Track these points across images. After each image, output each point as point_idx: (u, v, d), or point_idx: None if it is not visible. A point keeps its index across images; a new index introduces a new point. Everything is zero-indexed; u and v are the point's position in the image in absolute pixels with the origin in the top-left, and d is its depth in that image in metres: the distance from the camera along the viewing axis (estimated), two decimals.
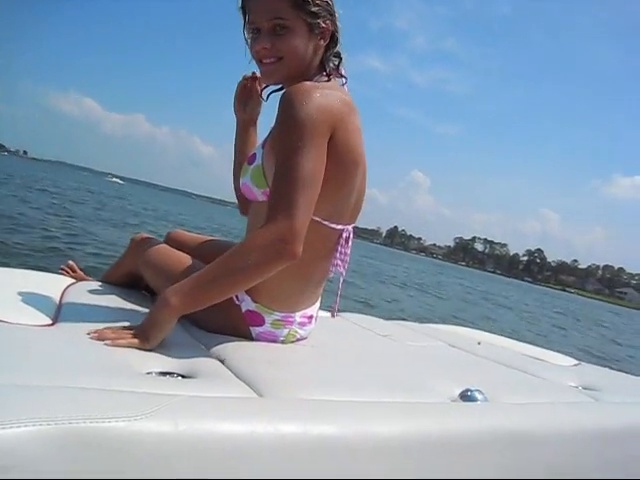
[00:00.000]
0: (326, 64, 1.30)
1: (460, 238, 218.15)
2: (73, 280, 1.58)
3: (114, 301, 1.39)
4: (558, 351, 2.16)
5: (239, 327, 1.29)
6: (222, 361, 1.04)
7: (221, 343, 1.15)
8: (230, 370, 0.98)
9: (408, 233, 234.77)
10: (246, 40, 1.29)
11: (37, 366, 0.79)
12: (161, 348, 1.01)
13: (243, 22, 1.29)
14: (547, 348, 2.19)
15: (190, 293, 1.07)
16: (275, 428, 0.73)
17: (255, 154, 1.31)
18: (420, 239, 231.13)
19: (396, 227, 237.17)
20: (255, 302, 1.28)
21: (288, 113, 1.13)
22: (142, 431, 0.62)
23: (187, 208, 46.20)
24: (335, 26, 1.28)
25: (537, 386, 1.41)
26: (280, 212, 1.07)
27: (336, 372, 1.16)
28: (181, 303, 1.06)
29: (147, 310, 1.15)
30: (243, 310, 1.28)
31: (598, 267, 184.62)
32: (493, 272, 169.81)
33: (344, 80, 1.34)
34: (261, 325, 1.30)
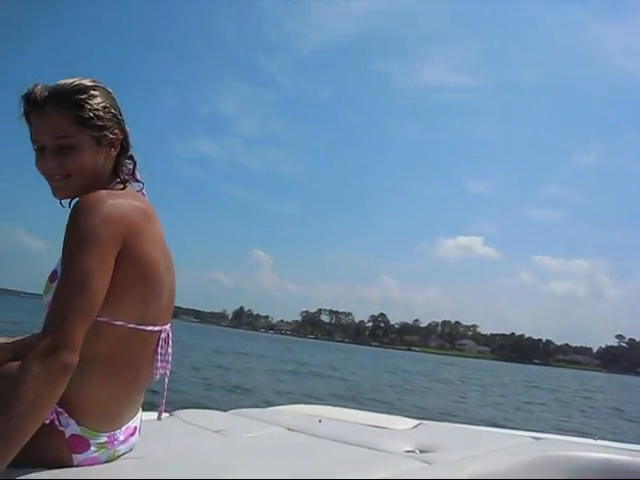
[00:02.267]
0: (119, 171, 1.29)
1: (306, 312, 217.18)
2: None
3: None
4: (399, 414, 2.30)
5: (60, 455, 1.19)
6: None
7: None
8: None
9: (255, 312, 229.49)
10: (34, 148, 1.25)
11: None
12: None
13: (30, 132, 1.24)
14: (388, 412, 2.30)
15: (7, 446, 0.99)
16: None
17: (56, 270, 1.22)
18: (267, 317, 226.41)
19: (242, 308, 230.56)
20: (80, 426, 1.20)
21: (73, 222, 1.11)
22: None
23: (14, 311, 38.44)
24: (124, 132, 1.28)
25: (370, 459, 1.44)
26: (50, 325, 1.05)
27: None
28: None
29: None
30: (67, 435, 1.19)
31: (437, 324, 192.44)
32: (342, 341, 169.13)
33: (141, 185, 1.34)
34: (85, 451, 1.22)
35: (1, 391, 1.03)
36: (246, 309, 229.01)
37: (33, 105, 1.19)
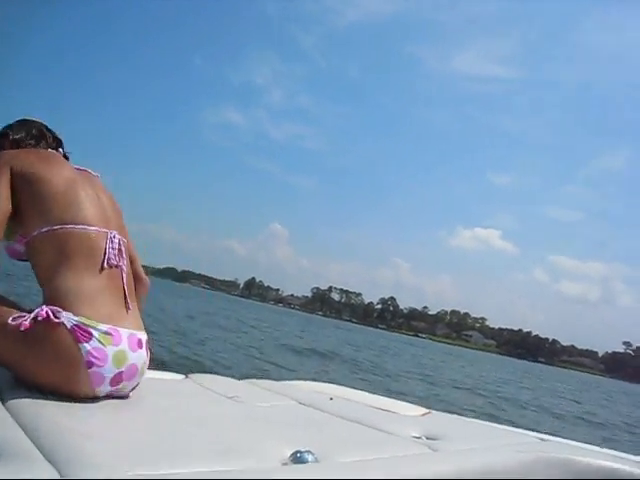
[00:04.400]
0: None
1: (317, 288, 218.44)
2: None
3: None
4: (410, 401, 2.26)
5: (70, 348, 1.31)
6: (32, 436, 0.96)
7: (35, 411, 1.09)
8: (39, 449, 0.91)
9: (266, 284, 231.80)
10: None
11: None
12: None
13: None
14: (398, 398, 2.30)
15: None
16: None
17: None
18: (278, 290, 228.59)
19: (254, 278, 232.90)
20: (76, 316, 1.34)
21: None
22: None
23: None
24: (12, 137, 1.72)
25: (377, 440, 1.46)
26: None
27: (162, 442, 1.11)
28: None
29: None
30: (69, 326, 1.31)
31: (446, 313, 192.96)
32: (349, 321, 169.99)
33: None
34: (90, 340, 1.33)
35: None
36: (257, 280, 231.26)
37: None
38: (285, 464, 1.08)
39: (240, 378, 2.27)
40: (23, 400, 1.19)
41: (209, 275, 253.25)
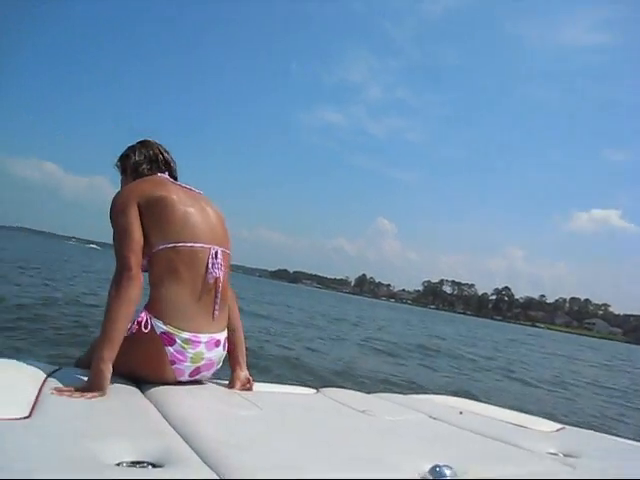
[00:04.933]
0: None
1: (428, 281, 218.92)
2: (56, 367, 1.72)
3: None
4: (543, 416, 2.18)
5: (157, 350, 1.70)
6: (191, 445, 1.05)
7: (191, 424, 1.19)
8: (198, 455, 1.00)
9: (377, 280, 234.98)
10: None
11: (8, 463, 0.78)
12: (135, 436, 1.04)
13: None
14: (530, 413, 2.21)
15: (102, 345, 1.57)
16: None
17: None
18: (389, 285, 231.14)
19: (364, 275, 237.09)
20: (166, 325, 1.72)
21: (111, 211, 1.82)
22: None
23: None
24: (134, 160, 2.04)
25: (513, 456, 1.41)
26: (117, 263, 1.70)
27: (305, 452, 1.15)
28: (103, 354, 1.55)
29: (129, 398, 1.41)
30: (158, 332, 1.71)
31: (565, 300, 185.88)
32: (463, 313, 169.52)
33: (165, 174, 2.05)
34: (173, 344, 1.72)
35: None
36: (368, 277, 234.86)
37: None
38: (424, 479, 1.09)
39: (383, 382, 2.80)
40: (179, 410, 1.33)
41: (320, 274, 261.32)
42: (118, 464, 0.91)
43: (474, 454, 1.37)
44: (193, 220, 1.83)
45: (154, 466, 0.95)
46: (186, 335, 1.73)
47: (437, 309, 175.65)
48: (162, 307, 1.74)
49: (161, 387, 1.64)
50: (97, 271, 21.26)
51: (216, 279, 1.82)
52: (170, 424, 1.22)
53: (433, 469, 1.08)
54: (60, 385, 1.48)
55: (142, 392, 1.59)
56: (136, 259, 1.68)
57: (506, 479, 1.16)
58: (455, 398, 2.40)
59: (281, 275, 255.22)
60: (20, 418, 1.06)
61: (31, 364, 1.61)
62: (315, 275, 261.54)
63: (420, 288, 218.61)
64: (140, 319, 1.72)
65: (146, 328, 1.71)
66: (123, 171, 2.07)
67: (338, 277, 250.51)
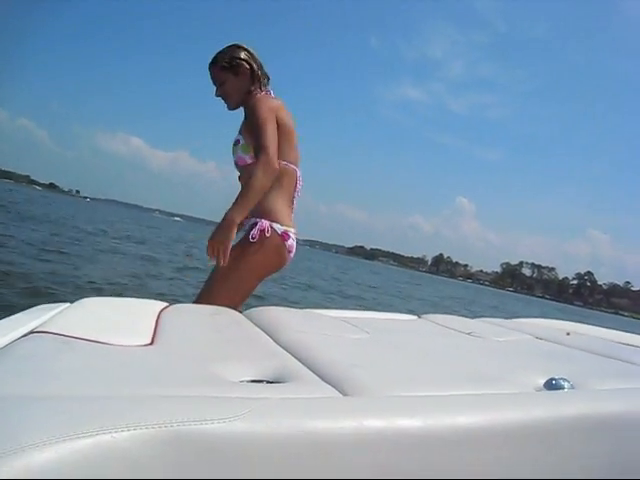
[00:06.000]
0: (256, 85, 2.29)
1: (507, 263, 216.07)
2: (166, 304, 1.74)
3: (207, 320, 1.55)
4: None
5: (280, 242, 2.16)
6: (307, 365, 1.09)
7: (304, 347, 1.22)
8: (315, 374, 1.03)
9: (454, 260, 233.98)
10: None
11: (141, 380, 0.87)
12: (251, 358, 1.10)
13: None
14: None
15: (238, 208, 2.01)
16: (360, 424, 0.75)
17: (238, 139, 2.21)
18: (466, 266, 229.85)
19: (441, 254, 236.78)
20: (282, 225, 2.18)
21: (251, 112, 2.15)
22: (236, 431, 0.68)
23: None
24: (251, 66, 2.26)
25: (629, 372, 1.38)
26: (261, 150, 2.04)
27: (419, 369, 1.17)
28: (235, 214, 2.00)
29: (241, 327, 1.48)
30: (279, 232, 2.16)
31: None
32: (542, 297, 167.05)
33: (270, 91, 2.33)
34: (289, 239, 2.19)
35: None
36: (445, 256, 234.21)
37: (209, 67, 2.27)
38: (539, 391, 1.07)
39: None
40: (289, 334, 1.34)
41: (397, 252, 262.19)
42: (240, 381, 0.96)
43: (589, 370, 1.32)
44: (295, 146, 2.24)
45: (274, 383, 0.98)
46: (292, 231, 2.20)
47: (515, 292, 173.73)
48: (278, 212, 2.17)
49: (264, 312, 1.67)
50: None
51: (298, 195, 2.29)
52: (283, 347, 1.24)
53: (549, 382, 1.08)
54: (175, 317, 1.50)
55: (247, 318, 1.61)
56: (274, 153, 2.05)
57: (628, 388, 1.12)
58: (560, 321, 2.36)
59: (357, 252, 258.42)
60: (143, 345, 1.14)
61: (145, 302, 1.69)
62: (392, 253, 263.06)
63: (498, 270, 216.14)
64: (262, 227, 2.13)
65: (268, 232, 2.12)
66: (234, 72, 2.26)
67: (415, 255, 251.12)
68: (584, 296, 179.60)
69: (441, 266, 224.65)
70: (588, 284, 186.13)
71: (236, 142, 2.21)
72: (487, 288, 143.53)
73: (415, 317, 2.01)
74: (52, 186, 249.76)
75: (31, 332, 1.11)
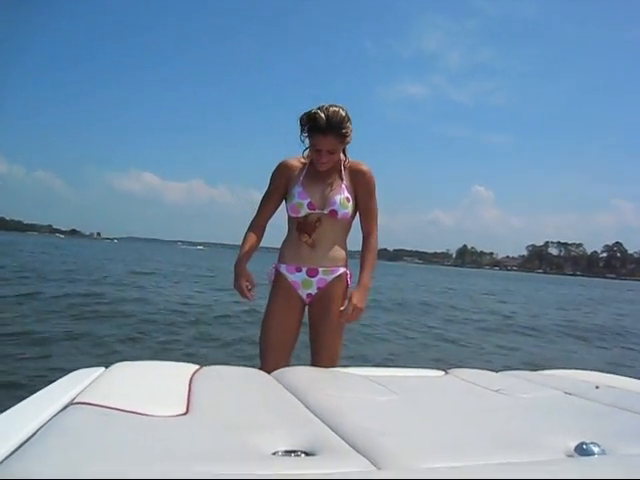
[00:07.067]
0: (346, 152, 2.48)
1: (533, 245, 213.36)
2: (197, 366, 1.70)
3: (238, 385, 1.55)
4: None
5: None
6: (338, 433, 1.08)
7: (334, 412, 1.23)
8: (347, 442, 1.03)
9: (479, 250, 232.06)
10: (301, 139, 2.38)
11: (178, 454, 0.87)
12: (284, 427, 1.11)
13: (300, 130, 2.33)
14: None
15: (369, 275, 2.43)
16: None
17: (349, 197, 2.41)
18: (492, 253, 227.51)
19: (465, 246, 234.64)
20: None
21: (373, 182, 2.45)
22: None
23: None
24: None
25: None
26: (372, 228, 2.50)
27: (448, 435, 1.16)
28: (369, 280, 2.42)
29: (271, 391, 1.49)
30: (347, 274, 2.51)
31: None
32: (573, 275, 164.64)
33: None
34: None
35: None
36: (469, 247, 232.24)
37: (317, 128, 2.24)
38: (570, 456, 1.04)
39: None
40: (318, 397, 1.35)
41: (420, 250, 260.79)
42: (274, 453, 0.94)
43: (620, 430, 1.29)
44: None
45: (307, 454, 0.97)
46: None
47: (544, 273, 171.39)
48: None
49: (292, 373, 1.68)
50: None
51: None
52: (312, 412, 1.25)
53: (580, 446, 1.04)
54: (206, 383, 1.49)
55: (276, 379, 1.62)
56: None
57: None
58: (587, 372, 2.28)
59: (380, 254, 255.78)
60: (178, 415, 1.14)
61: (177, 366, 1.71)
62: (415, 251, 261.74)
63: (524, 253, 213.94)
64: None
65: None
66: (345, 142, 2.36)
67: (439, 251, 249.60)
68: (616, 268, 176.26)
69: (466, 257, 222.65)
70: (618, 255, 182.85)
71: (348, 199, 2.41)
72: (516, 273, 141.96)
73: (442, 373, 2.01)
74: (74, 232, 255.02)
75: (71, 403, 1.11)
